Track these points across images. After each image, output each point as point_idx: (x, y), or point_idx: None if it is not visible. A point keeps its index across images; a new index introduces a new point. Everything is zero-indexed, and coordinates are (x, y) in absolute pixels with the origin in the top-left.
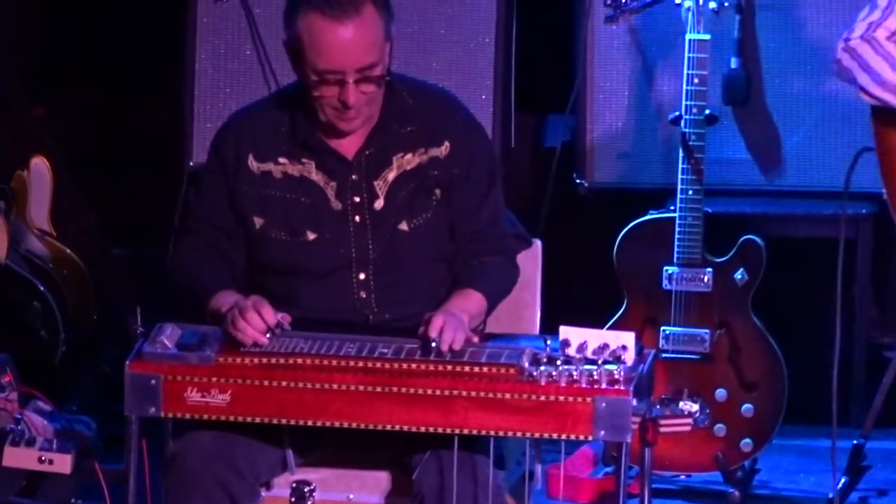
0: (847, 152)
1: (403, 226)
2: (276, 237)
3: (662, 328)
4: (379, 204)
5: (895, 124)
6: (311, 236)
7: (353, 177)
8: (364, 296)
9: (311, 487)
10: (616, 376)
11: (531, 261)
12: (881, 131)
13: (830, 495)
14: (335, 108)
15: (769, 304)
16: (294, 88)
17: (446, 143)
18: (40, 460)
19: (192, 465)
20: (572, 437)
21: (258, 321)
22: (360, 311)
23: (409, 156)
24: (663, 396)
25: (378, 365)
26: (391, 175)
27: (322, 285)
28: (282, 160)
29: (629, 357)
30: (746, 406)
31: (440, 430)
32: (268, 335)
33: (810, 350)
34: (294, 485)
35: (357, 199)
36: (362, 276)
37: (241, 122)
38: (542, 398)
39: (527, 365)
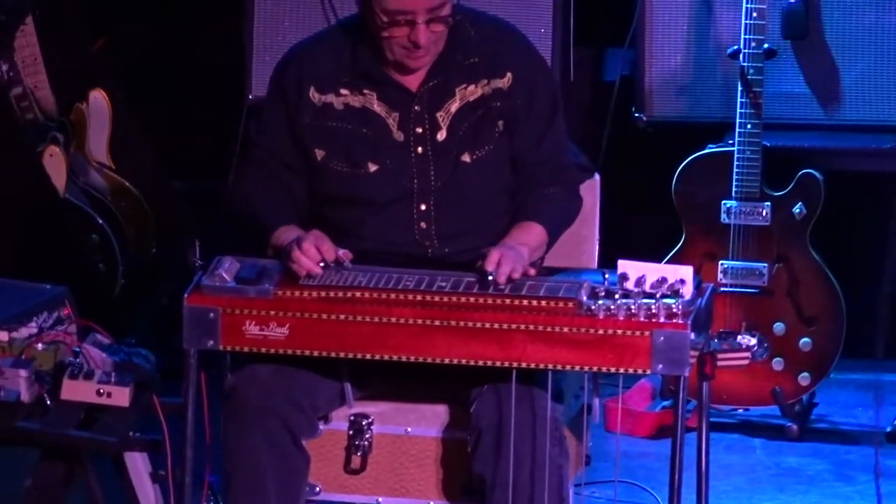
0: None
1: (466, 157)
2: (338, 168)
3: (721, 262)
4: (441, 135)
5: None
6: (373, 168)
7: (416, 108)
8: (424, 227)
9: (370, 421)
10: (674, 310)
11: (590, 194)
12: None
13: (888, 429)
14: (405, 48)
15: (828, 239)
16: (354, 20)
17: (508, 75)
18: (98, 393)
19: (251, 399)
20: (630, 370)
21: (314, 252)
22: (421, 243)
23: (471, 87)
24: (721, 330)
25: (436, 298)
26: (454, 106)
27: (383, 216)
28: (343, 91)
29: (687, 291)
30: (805, 340)
31: (498, 363)
32: (322, 265)
33: (869, 285)
34: (352, 418)
35: (419, 131)
36: (423, 207)
37: (302, 54)
38: (601, 332)
39: (585, 299)
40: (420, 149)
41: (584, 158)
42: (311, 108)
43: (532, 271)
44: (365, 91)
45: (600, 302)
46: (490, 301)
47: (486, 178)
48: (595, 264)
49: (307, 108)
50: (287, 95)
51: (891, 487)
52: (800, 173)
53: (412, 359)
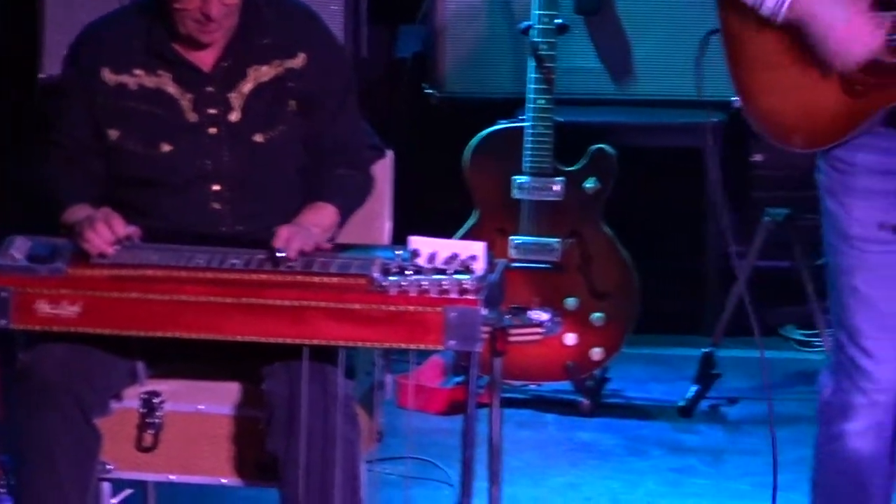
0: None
1: (259, 138)
2: (132, 149)
3: (512, 238)
4: (234, 116)
5: (736, 13)
6: (167, 148)
7: (209, 89)
8: (218, 207)
9: (161, 398)
10: (466, 286)
11: (383, 171)
12: (725, 17)
13: (681, 403)
14: (196, 21)
15: (621, 214)
16: (147, 1)
17: (302, 55)
18: None
19: (44, 376)
20: (422, 347)
21: (106, 232)
22: (215, 222)
23: (265, 68)
24: (513, 306)
25: (228, 276)
26: (247, 87)
27: (177, 197)
28: (137, 72)
29: (479, 267)
30: (597, 315)
31: (289, 340)
32: (116, 247)
33: (662, 260)
34: (144, 396)
35: (212, 112)
36: (217, 188)
37: (96, 33)
38: (392, 308)
39: (377, 275)
40: (213, 130)
41: (376, 139)
42: (105, 89)
43: (326, 246)
44: (159, 72)
45: (392, 278)
46: (281, 278)
47: (279, 158)
48: (387, 241)
49: (101, 88)
50: (81, 76)
51: (685, 461)
52: (592, 148)
53: (204, 336)
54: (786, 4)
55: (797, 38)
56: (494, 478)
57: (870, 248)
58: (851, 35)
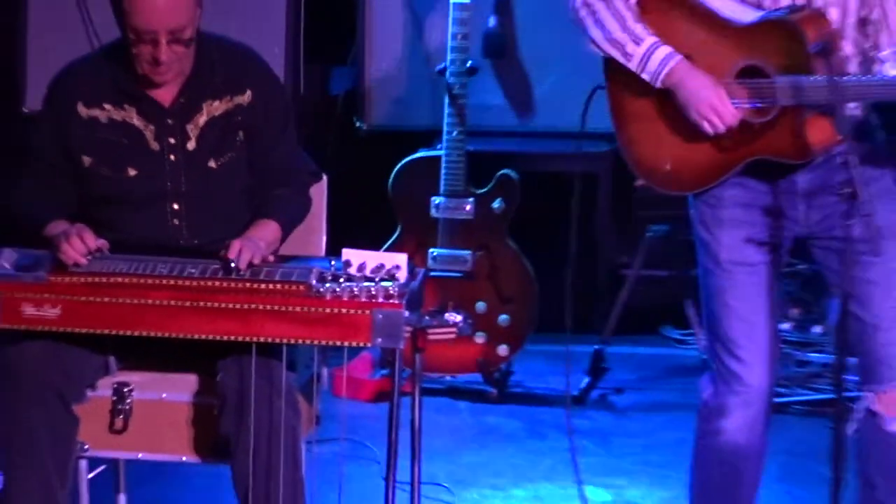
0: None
1: (212, 163)
2: (102, 173)
3: (431, 250)
4: (191, 145)
5: (620, 74)
6: (132, 172)
7: (169, 121)
8: (177, 223)
9: (130, 388)
10: (391, 292)
11: (319, 193)
12: (609, 78)
13: (575, 393)
14: (150, 63)
15: (525, 230)
16: (118, 43)
17: (248, 92)
18: None
19: (25, 368)
20: (353, 344)
21: (79, 245)
22: (174, 236)
23: (216, 103)
24: (431, 309)
25: (186, 283)
26: (202, 120)
27: (141, 214)
28: (107, 106)
29: (402, 275)
30: (503, 317)
31: (240, 338)
32: (88, 257)
33: (559, 269)
34: (115, 386)
35: (172, 141)
36: (175, 207)
37: (71, 73)
38: (328, 311)
39: (314, 282)
40: (172, 156)
41: (313, 165)
42: (80, 121)
43: (270, 258)
44: (126, 106)
45: (327, 285)
46: (232, 285)
47: (230, 181)
48: (323, 253)
49: (76, 121)
50: (58, 111)
51: (578, 442)
52: (499, 174)
53: (166, 335)
54: (663, 73)
55: (672, 98)
56: (415, 456)
57: (738, 270)
58: (715, 101)
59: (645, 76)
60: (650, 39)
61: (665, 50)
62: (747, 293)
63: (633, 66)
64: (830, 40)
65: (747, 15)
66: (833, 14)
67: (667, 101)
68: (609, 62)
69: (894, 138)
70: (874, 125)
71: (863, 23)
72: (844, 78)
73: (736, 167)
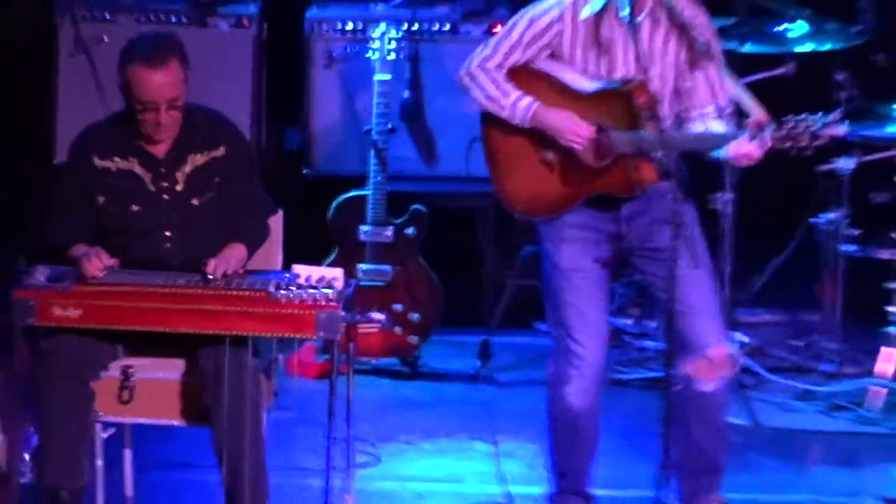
0: (476, 151)
1: (195, 201)
2: (112, 210)
3: (360, 266)
4: (179, 187)
5: (494, 126)
6: (135, 208)
7: (162, 169)
8: (169, 246)
9: (134, 370)
10: (330, 297)
11: (276, 223)
12: (486, 130)
13: (470, 372)
14: (152, 126)
15: (433, 250)
16: (122, 112)
17: (222, 147)
18: None
19: (56, 354)
20: (302, 336)
21: (97, 262)
22: (166, 257)
23: (198, 156)
24: (360, 310)
25: (176, 290)
26: (187, 168)
27: (143, 240)
28: (116, 159)
29: (339, 285)
30: (414, 315)
31: (216, 332)
32: (103, 272)
33: (457, 278)
34: (122, 368)
35: (165, 185)
36: (168, 234)
37: (88, 134)
38: (283, 311)
39: (272, 290)
40: (166, 196)
41: (271, 201)
42: (95, 170)
43: (240, 272)
44: (130, 158)
45: (282, 292)
46: (210, 292)
47: (209, 214)
48: (279, 267)
49: (93, 169)
50: (79, 162)
51: (472, 410)
52: (411, 208)
53: (161, 329)
54: (528, 116)
55: (537, 141)
56: (349, 419)
57: (575, 275)
58: (572, 126)
59: (516, 121)
60: (517, 93)
61: (528, 99)
62: (582, 291)
63: (505, 114)
64: (653, 104)
65: (590, 85)
66: (655, 84)
67: (527, 147)
68: (485, 116)
69: (693, 177)
70: (681, 166)
71: (677, 91)
72: (667, 133)
73: (580, 200)
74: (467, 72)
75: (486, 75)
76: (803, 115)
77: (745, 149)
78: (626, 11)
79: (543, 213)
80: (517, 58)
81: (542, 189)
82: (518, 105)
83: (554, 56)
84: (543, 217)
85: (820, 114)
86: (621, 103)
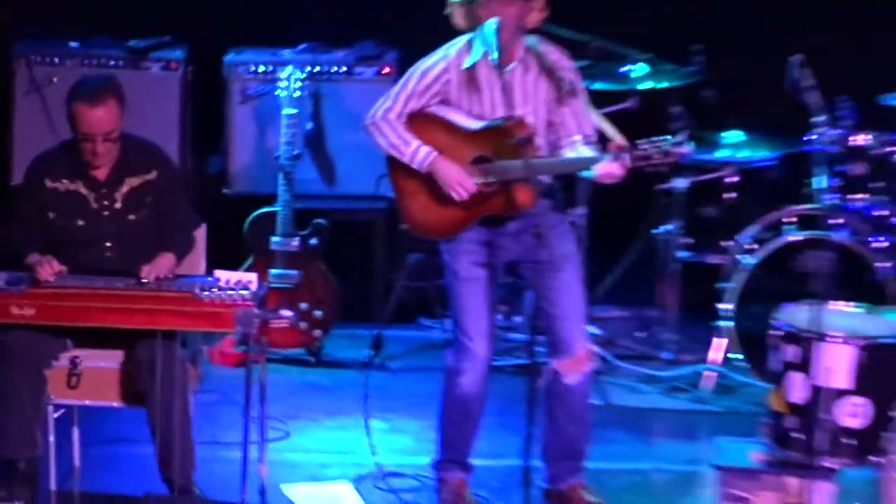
0: (374, 173)
1: (132, 217)
2: (61, 224)
3: (271, 270)
4: (118, 205)
5: (397, 166)
6: (81, 223)
7: (104, 190)
8: (109, 255)
9: (80, 360)
10: (246, 297)
11: (200, 235)
12: (391, 170)
13: (364, 360)
14: (91, 154)
15: (334, 257)
16: (70, 140)
17: (154, 171)
18: None
19: (13, 347)
20: (222, 330)
21: (48, 268)
22: (108, 264)
23: (134, 178)
24: (273, 307)
25: (115, 292)
26: (125, 189)
27: (87, 250)
28: (64, 181)
29: (254, 286)
30: (318, 312)
31: (150, 327)
32: (54, 277)
33: (354, 280)
34: (70, 358)
35: (106, 203)
36: (109, 245)
37: (41, 159)
38: (206, 309)
39: (197, 291)
40: (106, 213)
41: (197, 216)
42: (47, 191)
43: (170, 275)
44: (76, 180)
45: (206, 293)
46: (146, 293)
47: (143, 228)
48: (203, 272)
49: (45, 190)
50: (33, 184)
51: (369, 392)
52: (315, 221)
53: (103, 325)
54: (426, 163)
55: (432, 179)
56: (262, 400)
57: (469, 282)
58: (460, 179)
59: (414, 165)
60: (416, 142)
61: (426, 148)
62: (475, 296)
63: (406, 160)
64: (530, 136)
65: (476, 124)
66: (530, 119)
67: (427, 182)
68: (390, 158)
69: (568, 197)
70: (557, 188)
71: (549, 124)
72: (536, 160)
73: (474, 221)
74: (372, 121)
75: (388, 125)
76: (655, 138)
77: (608, 169)
78: (496, 57)
79: (444, 234)
80: (413, 105)
81: (441, 215)
82: (417, 153)
83: (444, 101)
84: (442, 237)
85: (669, 136)
86: (503, 137)
